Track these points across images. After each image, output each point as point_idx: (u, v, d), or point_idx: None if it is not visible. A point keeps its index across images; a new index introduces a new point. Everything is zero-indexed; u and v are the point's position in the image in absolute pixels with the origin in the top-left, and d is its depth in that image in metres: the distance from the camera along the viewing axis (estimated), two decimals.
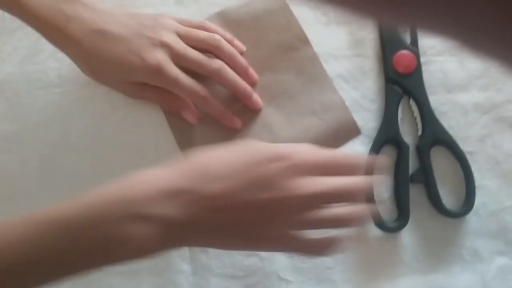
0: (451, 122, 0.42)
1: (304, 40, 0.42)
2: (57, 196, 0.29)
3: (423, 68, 0.43)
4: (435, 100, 0.42)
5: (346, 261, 0.39)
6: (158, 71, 0.37)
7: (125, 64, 0.37)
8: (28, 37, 0.47)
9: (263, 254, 0.40)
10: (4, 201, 0.42)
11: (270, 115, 0.41)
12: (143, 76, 0.38)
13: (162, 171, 0.30)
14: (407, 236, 0.40)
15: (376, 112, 0.42)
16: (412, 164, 0.41)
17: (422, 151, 0.40)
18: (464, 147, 0.41)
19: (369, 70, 0.43)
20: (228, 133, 0.41)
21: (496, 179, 0.41)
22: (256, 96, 0.40)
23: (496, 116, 0.42)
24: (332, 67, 0.43)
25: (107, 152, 0.43)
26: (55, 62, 0.46)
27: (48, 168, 0.43)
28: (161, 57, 0.37)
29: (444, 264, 0.40)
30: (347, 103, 0.42)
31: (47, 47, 0.47)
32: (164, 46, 0.37)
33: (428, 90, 0.42)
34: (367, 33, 0.43)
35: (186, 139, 0.41)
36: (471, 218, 0.40)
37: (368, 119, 0.42)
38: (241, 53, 0.41)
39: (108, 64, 0.38)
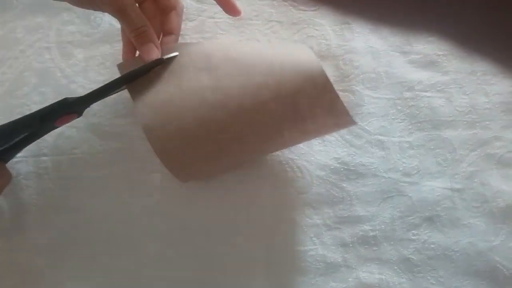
0: (439, 159, 0.41)
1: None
2: None
3: (411, 103, 0.42)
4: (422, 137, 0.42)
5: None
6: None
7: None
8: (11, 70, 0.47)
9: None
10: None
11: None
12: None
13: None
14: (394, 275, 0.39)
15: (363, 148, 0.42)
16: None
17: None
18: (452, 184, 0.41)
19: (356, 106, 0.42)
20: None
21: (484, 218, 0.40)
22: None
23: (484, 154, 0.41)
24: None
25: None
26: (38, 96, 0.46)
27: None
28: None
29: None
30: (332, 138, 0.42)
31: (30, 80, 0.46)
32: None
33: (415, 127, 0.42)
34: (353, 68, 0.43)
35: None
36: (459, 258, 0.39)
37: (354, 154, 0.41)
38: None
39: None
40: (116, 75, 0.45)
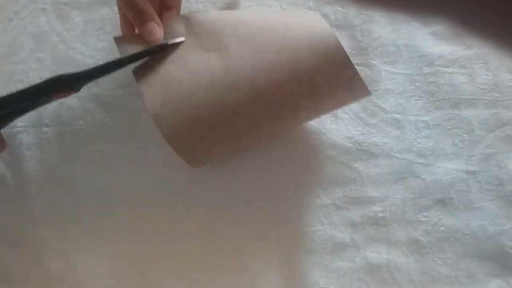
0: (456, 140, 0.40)
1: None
2: None
3: (430, 79, 0.40)
4: (440, 116, 0.40)
5: None
6: None
7: None
8: (6, 33, 0.44)
9: None
10: None
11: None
12: None
13: None
14: (401, 256, 0.39)
15: (378, 127, 0.40)
16: None
17: None
18: (468, 166, 0.39)
19: (372, 82, 0.40)
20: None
21: (497, 201, 0.39)
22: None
23: (503, 135, 0.39)
24: None
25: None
26: (36, 62, 0.43)
27: None
28: None
29: (439, 286, 0.39)
30: (345, 115, 0.40)
31: (26, 44, 0.44)
32: None
33: (434, 105, 0.40)
34: (371, 40, 0.40)
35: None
36: (468, 241, 0.39)
37: (368, 133, 0.40)
38: None
39: None
40: None
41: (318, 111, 0.36)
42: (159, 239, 0.41)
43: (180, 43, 0.35)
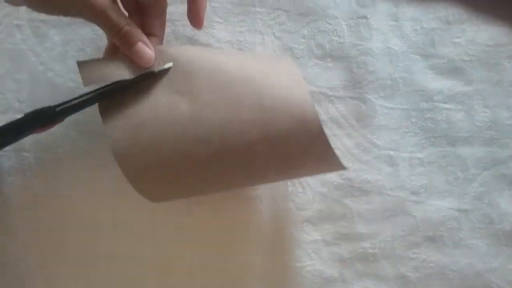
0: (449, 178, 0.39)
1: None
2: None
3: (427, 115, 0.38)
4: (435, 153, 0.39)
5: None
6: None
7: None
8: None
9: None
10: None
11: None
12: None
13: None
14: None
15: (370, 164, 0.39)
16: None
17: None
18: (460, 204, 0.39)
19: (366, 117, 0.38)
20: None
21: (487, 239, 0.39)
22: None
23: (497, 173, 0.39)
24: (325, 109, 0.39)
25: None
26: (14, 83, 0.41)
27: None
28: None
29: None
30: (338, 151, 0.39)
31: (3, 63, 0.41)
32: None
33: (429, 142, 0.39)
34: (367, 73, 0.38)
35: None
36: (456, 277, 0.39)
37: (360, 170, 0.39)
38: None
39: None
40: None
41: (290, 176, 0.34)
42: (144, 265, 0.40)
43: (168, 70, 0.32)
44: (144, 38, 0.32)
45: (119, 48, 0.33)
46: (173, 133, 0.31)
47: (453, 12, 0.39)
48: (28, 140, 0.41)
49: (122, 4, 0.33)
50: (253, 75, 0.31)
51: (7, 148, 0.41)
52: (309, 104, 0.30)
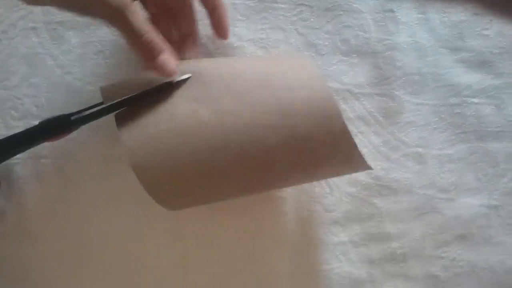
0: (479, 174, 0.38)
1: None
2: None
3: (456, 110, 0.37)
4: (464, 149, 0.38)
5: None
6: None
7: None
8: None
9: None
10: None
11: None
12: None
13: None
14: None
15: (399, 162, 0.38)
16: None
17: None
18: (490, 201, 0.38)
19: (395, 113, 0.37)
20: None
21: None
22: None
23: None
24: (351, 107, 0.38)
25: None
26: (30, 88, 0.40)
27: None
28: None
29: None
30: (365, 149, 0.38)
31: (18, 68, 0.40)
32: None
33: (458, 138, 0.38)
34: (394, 68, 0.37)
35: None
36: (487, 275, 0.38)
37: (388, 169, 0.38)
38: None
39: None
40: (119, 69, 0.39)
41: (313, 178, 0.34)
42: (167, 272, 0.40)
43: (186, 79, 0.31)
44: (166, 47, 0.31)
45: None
46: (191, 141, 0.30)
47: (481, 3, 0.37)
48: (46, 147, 0.40)
49: (147, 7, 0.32)
50: (271, 79, 0.30)
51: (24, 155, 0.40)
52: (331, 103, 0.29)
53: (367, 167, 0.30)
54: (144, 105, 0.31)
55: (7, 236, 0.41)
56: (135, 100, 0.31)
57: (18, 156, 0.40)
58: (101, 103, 0.31)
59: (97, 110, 0.32)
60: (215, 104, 0.30)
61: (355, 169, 0.33)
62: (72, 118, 0.31)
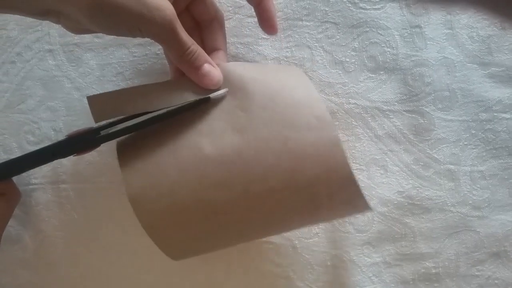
0: None
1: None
2: None
3: (487, 126, 0.37)
4: (496, 166, 0.37)
5: None
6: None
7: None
8: (9, 78, 0.39)
9: None
10: None
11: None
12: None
13: None
14: None
15: (431, 179, 0.37)
16: None
17: None
18: None
19: (425, 131, 0.37)
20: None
21: None
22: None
23: None
24: (380, 124, 0.37)
25: None
26: (47, 111, 0.39)
27: None
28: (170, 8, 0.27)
29: None
30: (396, 168, 0.37)
31: (35, 91, 0.39)
32: None
33: (490, 154, 0.37)
34: (423, 84, 0.36)
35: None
36: None
37: (420, 187, 0.37)
38: None
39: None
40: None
41: (315, 222, 0.32)
42: None
43: (223, 96, 0.30)
44: (210, 60, 0.31)
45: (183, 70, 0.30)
46: (193, 177, 0.29)
47: (508, 18, 0.37)
48: (66, 171, 0.39)
49: (181, 19, 0.31)
50: (279, 116, 0.29)
51: (43, 180, 0.39)
52: (338, 147, 0.28)
53: (368, 208, 0.30)
54: (146, 134, 0.30)
55: (25, 263, 0.40)
56: (170, 116, 0.30)
57: (36, 181, 0.39)
58: (130, 117, 0.30)
59: (129, 126, 0.30)
60: (219, 138, 0.29)
61: (356, 211, 0.31)
62: (101, 132, 0.30)
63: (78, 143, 0.30)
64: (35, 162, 0.31)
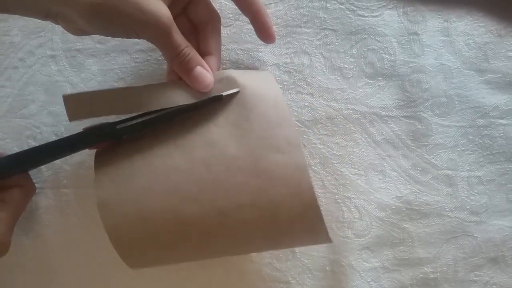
0: (509, 195, 0.37)
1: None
2: None
3: (484, 132, 0.37)
4: (494, 171, 0.37)
5: None
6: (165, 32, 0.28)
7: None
8: (11, 83, 0.40)
9: None
10: None
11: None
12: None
13: None
14: None
15: (428, 185, 0.37)
16: None
17: None
18: None
19: (422, 136, 0.37)
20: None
21: None
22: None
23: None
24: (379, 130, 0.37)
25: None
26: (49, 116, 0.39)
27: None
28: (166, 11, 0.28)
29: None
30: (394, 173, 0.37)
31: (37, 96, 0.39)
32: None
33: (487, 159, 0.37)
34: (421, 91, 0.37)
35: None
36: None
37: (418, 192, 0.37)
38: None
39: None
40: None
41: (276, 244, 0.32)
42: None
43: (235, 94, 0.31)
44: (203, 61, 0.31)
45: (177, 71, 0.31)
46: (163, 186, 0.29)
47: (504, 25, 0.37)
48: (67, 176, 0.39)
49: (178, 21, 0.32)
50: (251, 135, 0.29)
51: (44, 185, 0.39)
52: (304, 173, 0.28)
53: (328, 240, 0.30)
54: (124, 144, 0.31)
55: (25, 268, 0.40)
56: (184, 111, 0.31)
57: (37, 186, 0.39)
58: (146, 113, 0.31)
59: (145, 120, 0.31)
60: (191, 152, 0.30)
61: (317, 241, 0.32)
62: (118, 127, 0.31)
63: (99, 134, 0.31)
64: (56, 153, 0.32)
